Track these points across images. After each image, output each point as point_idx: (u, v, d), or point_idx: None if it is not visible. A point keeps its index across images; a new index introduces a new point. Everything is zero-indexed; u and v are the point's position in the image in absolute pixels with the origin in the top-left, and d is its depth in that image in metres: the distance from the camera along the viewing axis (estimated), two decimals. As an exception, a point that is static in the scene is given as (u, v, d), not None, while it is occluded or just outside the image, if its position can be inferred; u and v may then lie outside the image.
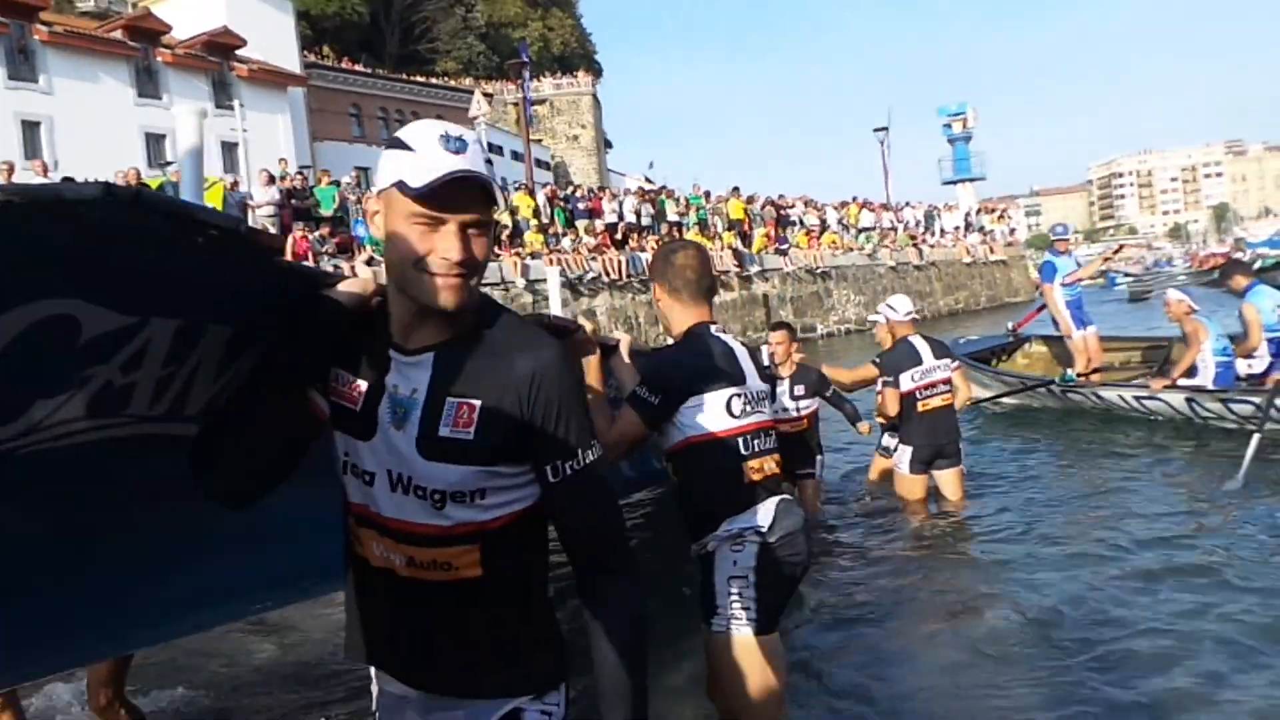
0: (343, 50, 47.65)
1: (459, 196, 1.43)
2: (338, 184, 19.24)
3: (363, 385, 1.56)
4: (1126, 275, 51.99)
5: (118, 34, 29.25)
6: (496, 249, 20.40)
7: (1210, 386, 8.37)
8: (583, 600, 1.58)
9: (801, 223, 30.53)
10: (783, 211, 30.11)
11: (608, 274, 21.84)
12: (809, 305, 27.86)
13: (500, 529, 1.56)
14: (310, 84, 37.58)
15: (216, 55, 31.07)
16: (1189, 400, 8.53)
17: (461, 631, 1.58)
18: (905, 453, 6.45)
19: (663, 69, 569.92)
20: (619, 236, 23.68)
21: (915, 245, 33.66)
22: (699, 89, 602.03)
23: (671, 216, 26.15)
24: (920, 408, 6.33)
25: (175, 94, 29.84)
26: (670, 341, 2.97)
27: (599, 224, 23.80)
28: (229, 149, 28.20)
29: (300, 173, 20.55)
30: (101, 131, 26.13)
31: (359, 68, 44.94)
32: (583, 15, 74.19)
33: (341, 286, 1.59)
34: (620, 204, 25.32)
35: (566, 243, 22.13)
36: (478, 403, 1.50)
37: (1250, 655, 3.85)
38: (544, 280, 20.68)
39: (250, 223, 17.07)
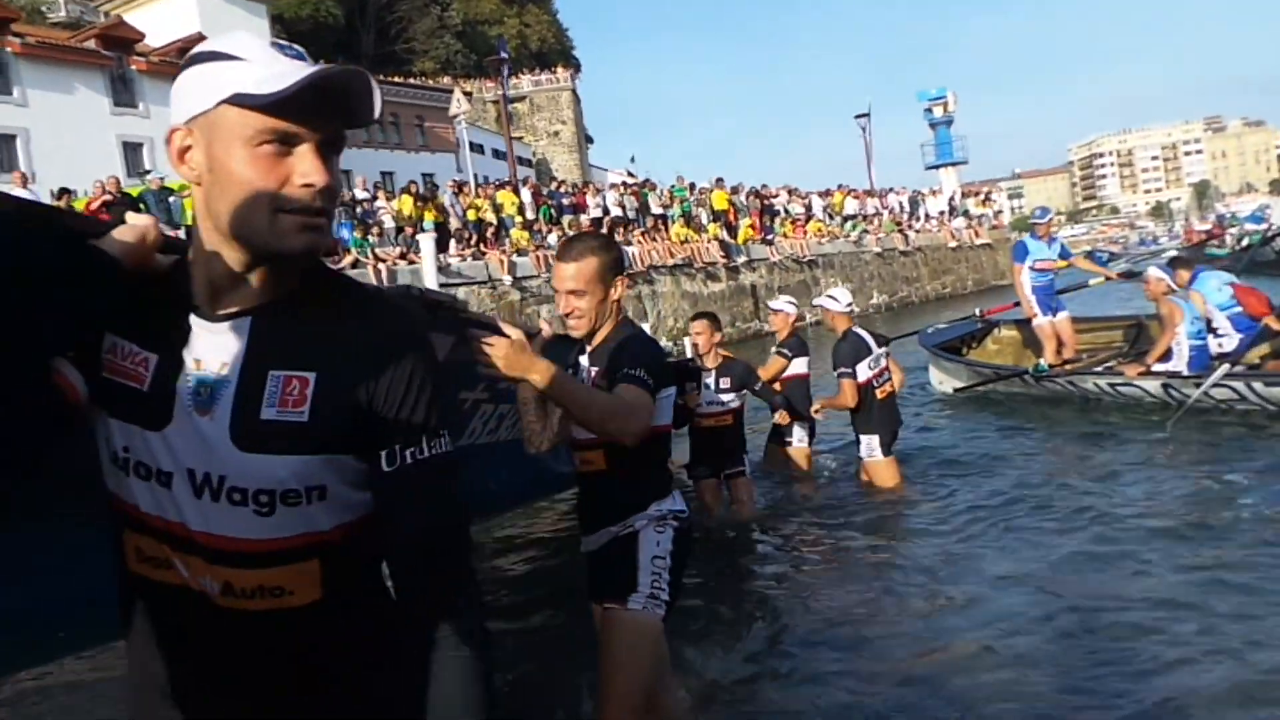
0: (318, 53, 47.33)
1: (317, 106, 1.15)
2: (318, 187, 19.07)
3: (152, 358, 1.22)
4: (1112, 256, 52.16)
5: (91, 43, 28.94)
6: (483, 246, 20.29)
7: (1186, 371, 8.33)
8: (407, 635, 1.26)
9: (786, 212, 30.47)
10: (767, 201, 30.04)
11: (594, 269, 21.73)
12: (797, 294, 27.64)
13: (345, 539, 1.25)
14: (288, 88, 37.27)
15: (192, 62, 30.73)
16: (1165, 386, 8.49)
17: (300, 674, 1.25)
18: (873, 441, 6.61)
19: (641, 63, 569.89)
20: (604, 231, 23.56)
21: (901, 231, 33.67)
22: (678, 83, 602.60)
23: (655, 209, 26.04)
24: (878, 395, 6.57)
25: (152, 102, 29.59)
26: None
27: (584, 219, 23.69)
28: (208, 155, 27.96)
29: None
30: (78, 142, 25.90)
31: (336, 70, 44.58)
32: (559, 10, 74.00)
33: (115, 234, 1.27)
34: (604, 198, 25.21)
35: (552, 239, 22.01)
36: (311, 375, 1.20)
37: (1245, 649, 3.76)
38: (533, 277, 20.58)
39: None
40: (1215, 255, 25.67)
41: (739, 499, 6.33)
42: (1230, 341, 8.54)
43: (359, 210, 19.04)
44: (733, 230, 26.90)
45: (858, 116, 41.11)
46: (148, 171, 21.46)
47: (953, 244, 36.08)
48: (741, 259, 26.05)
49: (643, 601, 2.66)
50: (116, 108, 28.77)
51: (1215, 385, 7.96)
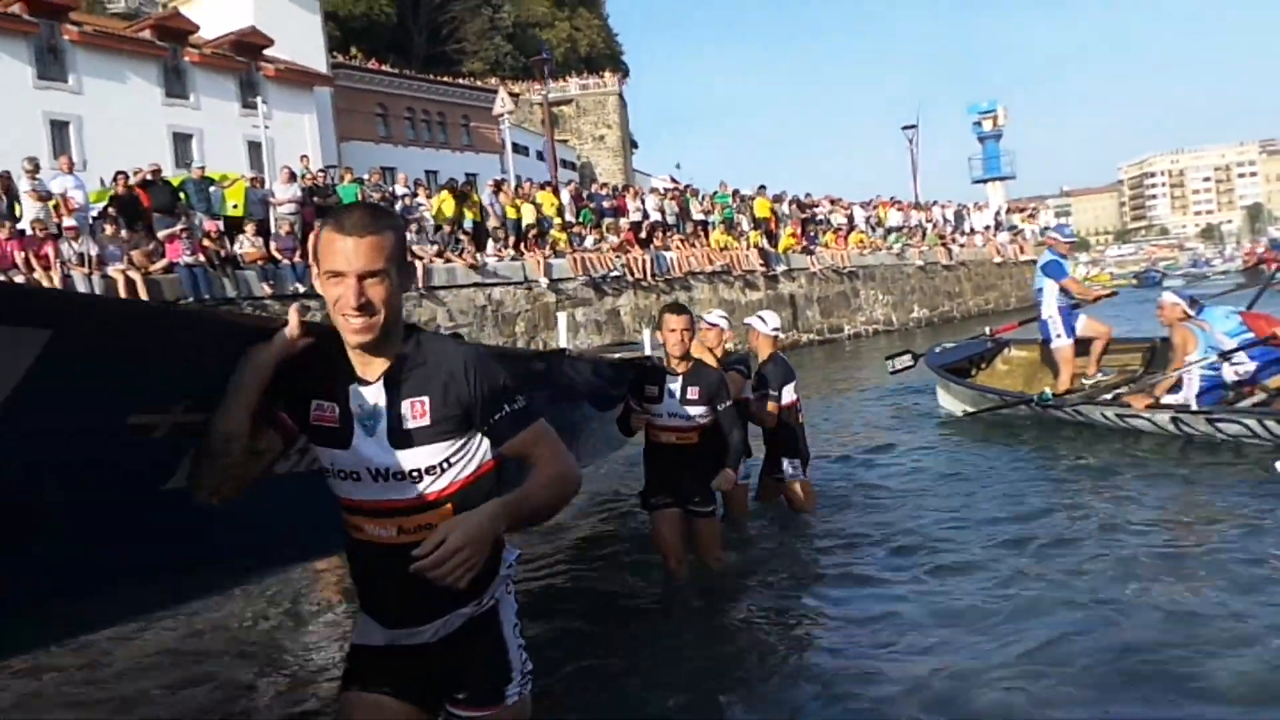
0: (371, 51, 47.80)
1: None
2: (361, 181, 19.13)
3: None
4: (1163, 276, 51.20)
5: (146, 34, 29.40)
6: (523, 247, 20.26)
7: (1194, 405, 7.92)
8: None
9: (829, 222, 30.17)
10: (809, 210, 29.76)
11: (632, 273, 21.61)
12: (836, 306, 27.51)
13: None
14: (337, 84, 37.65)
15: (244, 55, 31.16)
16: (1174, 419, 8.09)
17: None
18: (796, 462, 6.56)
19: (690, 70, 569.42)
20: (643, 235, 23.44)
21: (944, 245, 33.20)
22: (727, 89, 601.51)
23: (696, 215, 25.87)
24: (800, 419, 6.66)
25: (203, 93, 30.03)
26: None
27: (623, 223, 23.58)
28: (255, 148, 28.27)
29: (323, 170, 20.48)
30: (130, 131, 26.29)
31: (386, 68, 45.00)
32: (609, 15, 74.19)
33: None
34: (644, 202, 25.08)
35: (589, 241, 21.93)
36: None
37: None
38: (570, 279, 20.50)
39: (272, 219, 17.04)
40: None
41: (703, 545, 5.18)
42: (1247, 368, 8.07)
43: (399, 207, 19.07)
44: (773, 239, 26.66)
45: (905, 128, 40.82)
46: (191, 162, 21.67)
47: (997, 259, 35.54)
48: (781, 268, 25.79)
49: (518, 690, 2.21)
50: (168, 98, 29.22)
51: (1225, 420, 7.67)
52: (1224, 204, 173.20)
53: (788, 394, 6.42)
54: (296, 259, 16.18)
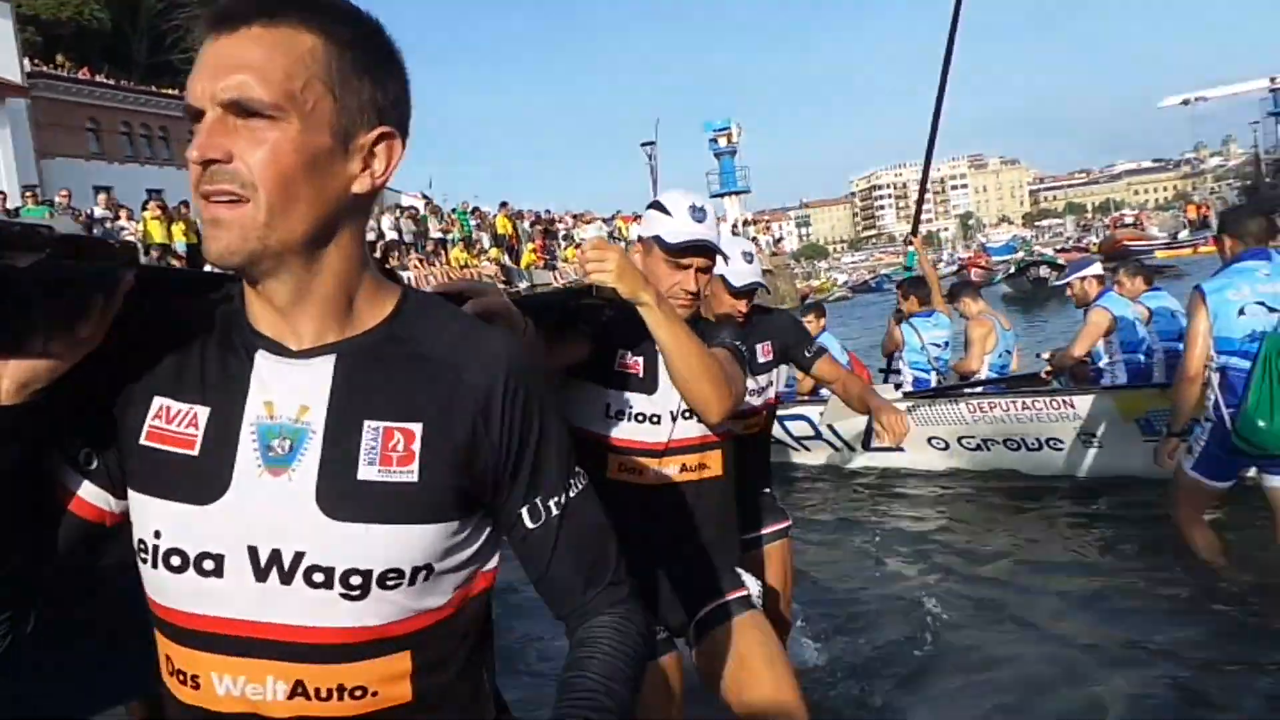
0: (81, 59, 43.87)
1: None
2: (51, 204, 17.50)
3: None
4: (890, 280, 55.61)
5: None
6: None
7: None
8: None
9: (571, 237, 30.71)
10: (551, 226, 30.18)
11: (367, 294, 21.07)
12: (581, 319, 28.00)
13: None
14: (35, 95, 34.30)
15: (-87, 62, 27.87)
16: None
17: None
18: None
19: (437, 89, 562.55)
20: (378, 255, 22.89)
21: (684, 257, 34.56)
22: (474, 111, 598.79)
23: (435, 233, 25.61)
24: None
25: None
26: None
27: (358, 242, 22.93)
28: (-68, 167, 25.37)
29: (1, 192, 18.58)
30: None
31: (99, 78, 41.43)
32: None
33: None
34: (379, 221, 24.51)
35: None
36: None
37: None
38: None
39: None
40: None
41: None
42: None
43: (97, 231, 17.62)
44: (516, 255, 26.82)
45: (644, 144, 42.08)
46: None
47: (735, 270, 37.38)
48: (524, 284, 25.97)
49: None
50: None
51: (790, 418, 7.78)
52: (940, 213, 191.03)
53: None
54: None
